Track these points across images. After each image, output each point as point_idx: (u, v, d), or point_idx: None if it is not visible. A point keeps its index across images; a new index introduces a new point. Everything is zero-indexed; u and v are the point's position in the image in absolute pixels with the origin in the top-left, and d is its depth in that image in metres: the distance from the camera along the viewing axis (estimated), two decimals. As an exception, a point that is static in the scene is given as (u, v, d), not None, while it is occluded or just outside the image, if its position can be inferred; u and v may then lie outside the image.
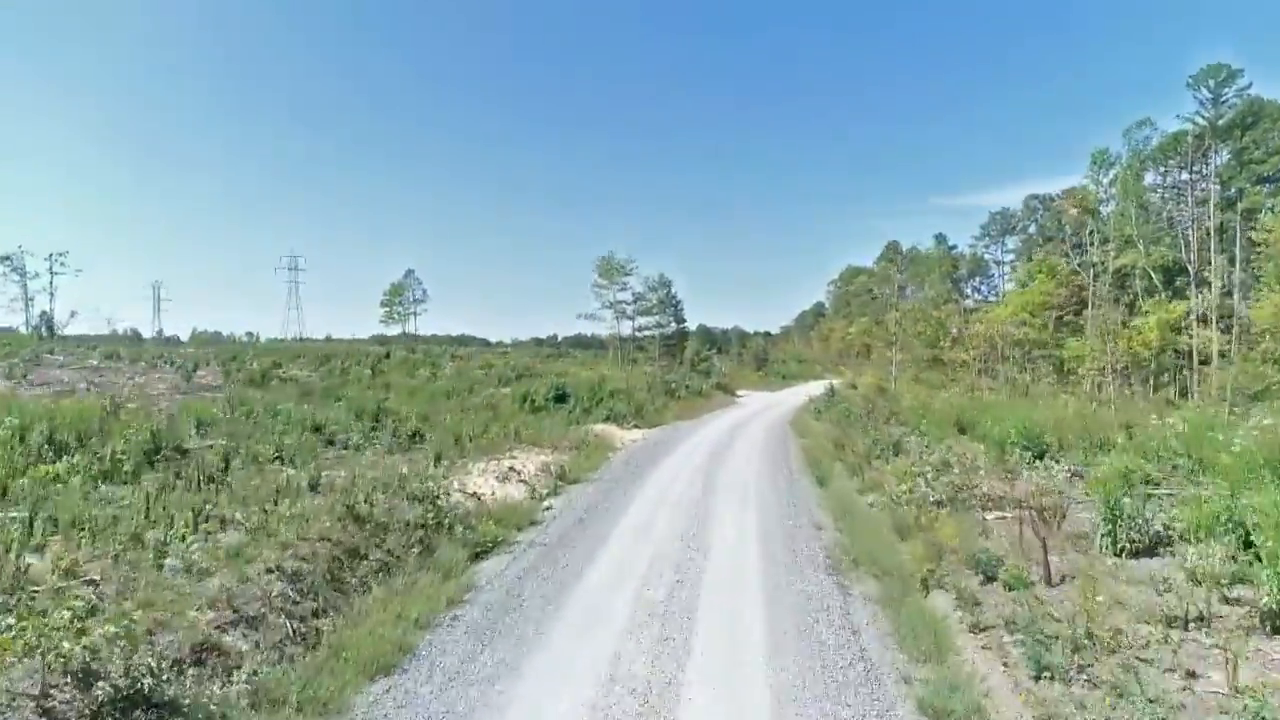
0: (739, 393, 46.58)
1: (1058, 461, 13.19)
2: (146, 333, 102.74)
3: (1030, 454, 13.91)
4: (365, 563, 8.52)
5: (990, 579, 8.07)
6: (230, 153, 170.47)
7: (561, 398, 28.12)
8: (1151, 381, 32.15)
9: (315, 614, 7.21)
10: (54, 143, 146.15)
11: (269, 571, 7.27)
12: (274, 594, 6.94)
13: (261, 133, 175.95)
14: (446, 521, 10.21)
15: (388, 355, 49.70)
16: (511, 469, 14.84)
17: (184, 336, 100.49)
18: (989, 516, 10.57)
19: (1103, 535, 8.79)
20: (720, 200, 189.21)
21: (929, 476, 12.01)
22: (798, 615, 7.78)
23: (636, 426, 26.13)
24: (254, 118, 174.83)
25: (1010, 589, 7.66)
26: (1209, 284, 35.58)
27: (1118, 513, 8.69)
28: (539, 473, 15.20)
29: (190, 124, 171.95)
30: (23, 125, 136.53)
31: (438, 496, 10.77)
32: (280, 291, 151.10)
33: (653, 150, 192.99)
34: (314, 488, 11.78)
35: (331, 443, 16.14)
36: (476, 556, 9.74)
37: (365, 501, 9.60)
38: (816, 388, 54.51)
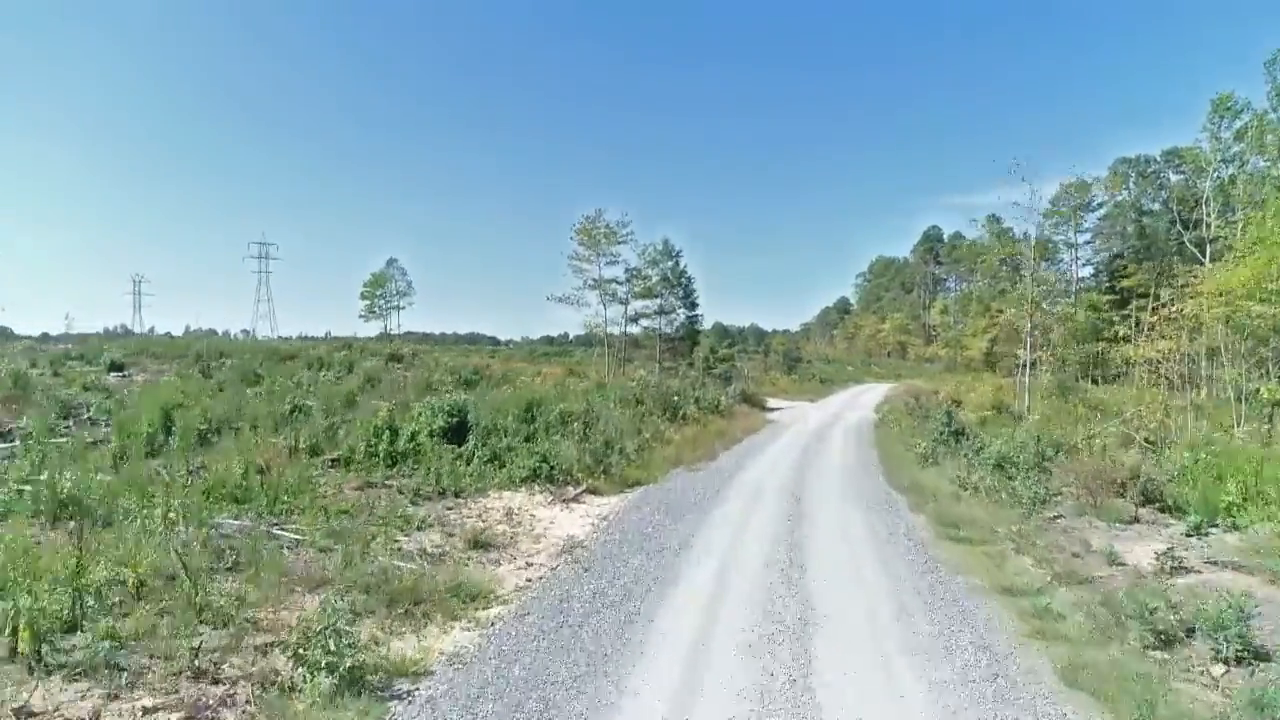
0: (770, 404, 33.11)
1: None
2: (141, 330, 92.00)
3: None
4: None
5: None
6: (233, 150, 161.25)
7: (457, 430, 14.95)
8: None
9: None
10: (44, 140, 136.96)
11: None
12: None
13: (265, 131, 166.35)
14: None
15: (293, 356, 36.89)
16: None
17: (177, 333, 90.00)
18: None
19: None
20: (731, 196, 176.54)
21: None
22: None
23: (591, 492, 12.95)
24: (258, 118, 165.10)
25: None
26: None
27: None
28: None
29: (188, 122, 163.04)
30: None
31: None
32: (278, 286, 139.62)
33: (656, 147, 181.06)
34: None
35: None
36: None
37: None
38: (867, 394, 41.00)
